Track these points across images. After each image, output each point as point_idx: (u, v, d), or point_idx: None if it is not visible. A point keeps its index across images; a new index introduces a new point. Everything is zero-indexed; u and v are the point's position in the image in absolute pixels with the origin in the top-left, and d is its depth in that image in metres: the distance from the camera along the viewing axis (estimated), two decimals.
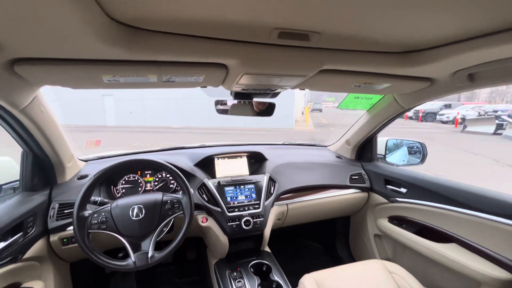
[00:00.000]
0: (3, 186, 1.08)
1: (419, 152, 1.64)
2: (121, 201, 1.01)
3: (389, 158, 1.70)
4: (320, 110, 28.16)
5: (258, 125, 11.34)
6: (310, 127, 13.35)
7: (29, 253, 1.00)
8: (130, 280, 1.63)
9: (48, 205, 1.11)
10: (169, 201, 1.04)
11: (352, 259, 1.86)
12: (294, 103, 12.66)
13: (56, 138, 1.05)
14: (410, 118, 17.30)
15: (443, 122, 14.57)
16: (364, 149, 1.74)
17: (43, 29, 0.47)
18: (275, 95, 1.17)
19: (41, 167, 1.13)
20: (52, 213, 1.10)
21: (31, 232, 1.01)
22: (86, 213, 0.95)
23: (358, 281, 1.12)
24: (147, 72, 0.72)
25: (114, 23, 0.51)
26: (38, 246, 1.04)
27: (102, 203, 1.05)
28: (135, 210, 0.99)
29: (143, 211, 0.99)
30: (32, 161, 1.08)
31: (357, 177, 1.64)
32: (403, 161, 1.71)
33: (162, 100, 13.10)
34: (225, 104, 1.16)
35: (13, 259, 0.93)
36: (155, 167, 1.06)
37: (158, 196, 1.05)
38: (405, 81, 0.96)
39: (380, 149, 1.74)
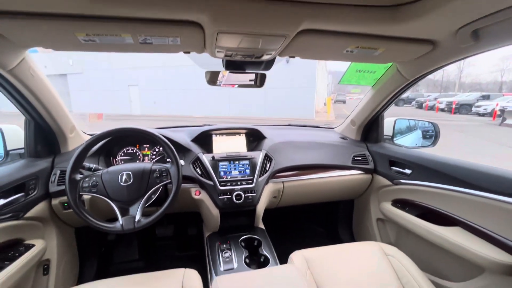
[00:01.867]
0: (10, 152, 1.17)
1: (430, 133, 1.52)
2: (112, 168, 1.05)
3: (398, 140, 1.59)
4: (344, 102, 27.22)
5: (279, 115, 11.24)
6: (332, 117, 12.97)
7: (31, 213, 1.08)
8: (133, 250, 1.72)
9: (51, 171, 1.19)
10: (157, 170, 1.07)
11: None
12: (315, 92, 12.34)
13: (53, 106, 1.10)
14: (442, 110, 16.10)
15: (479, 114, 13.37)
16: (370, 130, 1.64)
17: None
18: (268, 65, 1.13)
19: (44, 135, 1.20)
20: (53, 179, 1.17)
21: (33, 194, 1.09)
22: (78, 176, 1.00)
23: (350, 261, 1.08)
24: (121, 30, 0.72)
25: None
26: (40, 208, 1.12)
27: (96, 170, 1.10)
28: (124, 176, 1.02)
29: (132, 178, 1.02)
30: (34, 129, 1.15)
31: (360, 158, 1.56)
32: (416, 144, 1.59)
33: (184, 90, 13.43)
34: (216, 74, 1.15)
35: (14, 216, 1.00)
36: (146, 137, 1.08)
37: (147, 165, 1.08)
38: (403, 45, 0.88)
39: (389, 130, 1.64)
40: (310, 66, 11.67)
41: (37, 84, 0.98)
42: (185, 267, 1.74)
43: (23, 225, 1.07)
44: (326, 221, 2.03)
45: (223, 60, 1.08)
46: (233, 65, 1.10)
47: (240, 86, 1.20)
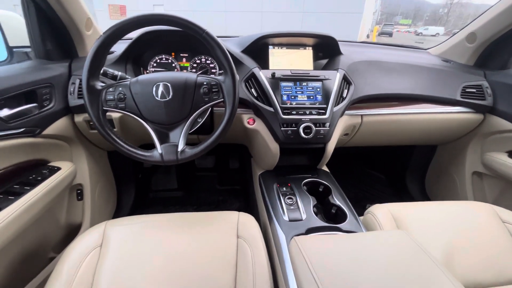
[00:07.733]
0: (14, 50, 0.89)
1: None
2: (144, 76, 0.75)
3: None
4: (390, 35, 23.60)
5: None
6: None
7: (51, 130, 0.86)
8: (171, 179, 1.58)
9: (68, 79, 0.92)
10: (205, 83, 0.74)
11: (426, 197, 1.51)
12: (361, 20, 10.54)
13: None
14: None
15: None
16: (497, 50, 1.13)
17: None
18: None
19: (54, 30, 0.90)
20: (72, 89, 0.91)
21: (49, 106, 0.85)
22: (99, 84, 0.71)
23: (452, 226, 0.78)
24: None
25: None
26: (61, 125, 0.90)
27: (122, 79, 0.80)
28: (160, 89, 0.72)
29: (171, 92, 0.72)
30: (37, 16, 0.83)
31: (474, 90, 1.11)
32: None
33: (214, 12, 12.15)
34: None
35: (29, 132, 0.79)
36: (189, 31, 0.73)
37: (191, 75, 0.75)
38: None
39: None
40: None
41: None
42: (226, 201, 1.63)
43: (44, 144, 0.87)
44: (388, 168, 1.71)
45: None
46: None
47: None
